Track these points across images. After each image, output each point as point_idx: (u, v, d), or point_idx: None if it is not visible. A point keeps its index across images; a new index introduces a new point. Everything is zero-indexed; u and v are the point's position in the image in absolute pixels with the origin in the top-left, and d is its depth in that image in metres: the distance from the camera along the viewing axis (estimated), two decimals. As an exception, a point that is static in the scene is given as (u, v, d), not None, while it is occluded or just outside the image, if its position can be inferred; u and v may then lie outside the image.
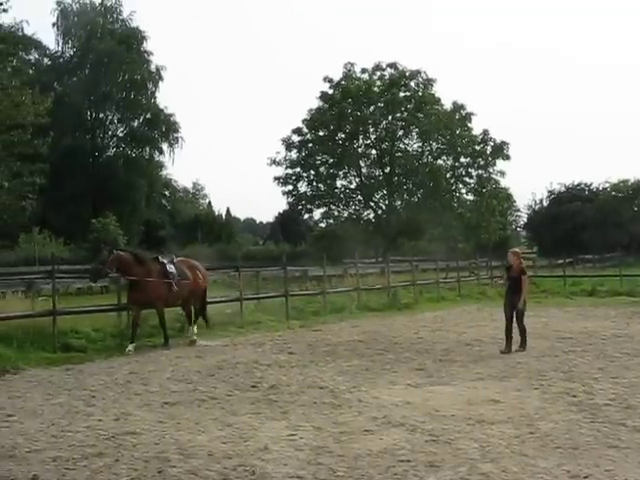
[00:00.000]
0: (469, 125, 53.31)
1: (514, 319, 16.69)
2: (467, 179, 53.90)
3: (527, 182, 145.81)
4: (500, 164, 53.33)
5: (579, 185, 70.67)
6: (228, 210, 73.03)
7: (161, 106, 63.41)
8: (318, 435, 9.30)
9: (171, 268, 18.27)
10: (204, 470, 7.86)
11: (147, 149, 63.16)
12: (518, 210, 68.73)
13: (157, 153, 63.92)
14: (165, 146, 63.63)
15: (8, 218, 37.25)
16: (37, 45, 61.44)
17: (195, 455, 8.43)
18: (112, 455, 8.47)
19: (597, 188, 70.71)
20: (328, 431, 9.48)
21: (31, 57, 61.28)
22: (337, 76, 53.65)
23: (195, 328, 19.05)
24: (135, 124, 63.42)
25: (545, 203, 70.68)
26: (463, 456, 8.28)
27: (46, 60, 63.16)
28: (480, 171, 53.32)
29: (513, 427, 9.56)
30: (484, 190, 52.87)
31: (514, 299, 16.75)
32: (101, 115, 62.89)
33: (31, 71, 57.08)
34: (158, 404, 11.23)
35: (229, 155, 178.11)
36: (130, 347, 17.03)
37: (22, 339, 16.26)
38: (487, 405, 10.89)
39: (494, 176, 53.61)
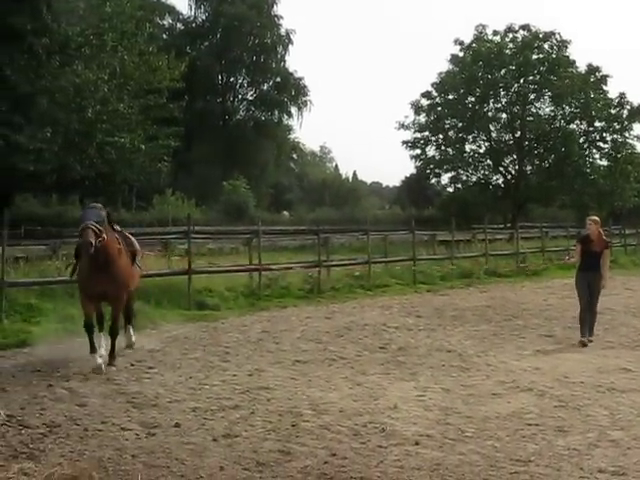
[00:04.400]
0: (604, 88, 51.54)
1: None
2: (601, 144, 52.18)
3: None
4: (637, 128, 51.55)
5: None
6: (355, 174, 73.40)
7: (290, 70, 64.06)
8: (447, 396, 9.45)
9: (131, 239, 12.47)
10: (336, 426, 8.12)
11: (276, 112, 63.87)
12: (655, 176, 66.20)
13: (286, 116, 64.66)
14: (294, 109, 64.34)
15: (145, 180, 38.48)
16: (171, 10, 62.92)
17: (327, 411, 8.71)
18: (247, 408, 8.84)
19: None
20: (456, 393, 9.62)
21: (165, 22, 62.79)
22: (468, 38, 52.74)
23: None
24: (265, 88, 64.23)
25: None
26: (592, 422, 8.28)
27: (179, 25, 64.56)
28: (615, 136, 51.51)
29: (645, 396, 9.47)
30: (619, 155, 51.11)
31: (594, 280, 13.77)
32: (232, 79, 64.01)
33: (165, 36, 58.50)
34: (290, 362, 11.59)
35: (357, 119, 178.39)
36: (100, 360, 10.78)
37: (159, 296, 16.77)
38: (618, 373, 10.80)
39: (630, 141, 51.72)
